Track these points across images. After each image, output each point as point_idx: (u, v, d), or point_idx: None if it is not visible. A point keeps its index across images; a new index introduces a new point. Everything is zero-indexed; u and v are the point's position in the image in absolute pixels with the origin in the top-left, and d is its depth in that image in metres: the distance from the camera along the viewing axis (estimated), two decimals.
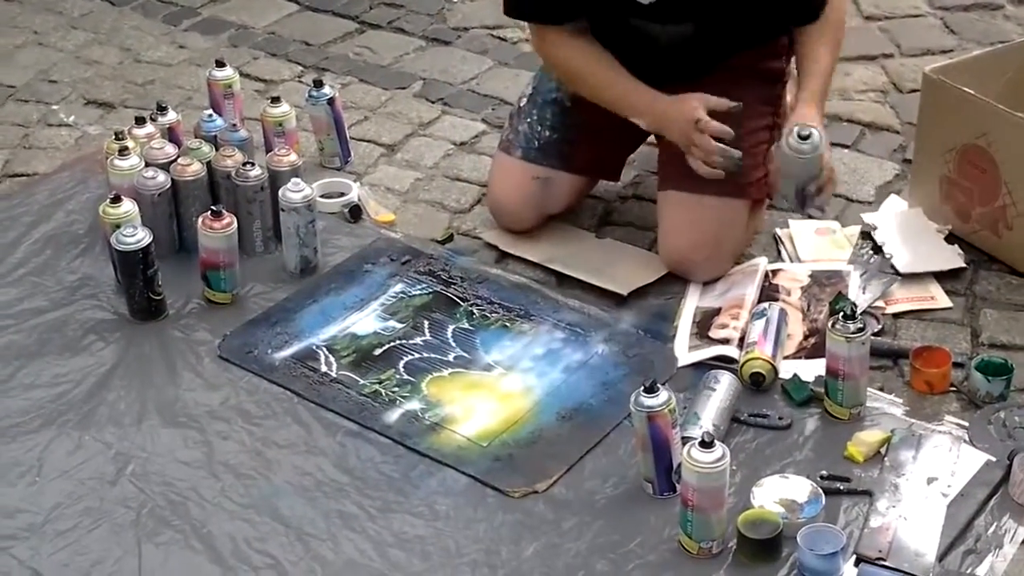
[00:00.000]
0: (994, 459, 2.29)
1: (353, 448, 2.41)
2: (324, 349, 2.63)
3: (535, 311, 2.69)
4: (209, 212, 2.72)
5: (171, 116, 3.09)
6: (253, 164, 2.86)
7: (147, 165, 2.87)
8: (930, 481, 2.26)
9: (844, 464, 2.31)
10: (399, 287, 2.78)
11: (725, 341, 2.55)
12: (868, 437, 2.34)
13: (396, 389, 2.53)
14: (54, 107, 3.54)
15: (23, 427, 2.47)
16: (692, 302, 2.69)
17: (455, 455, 2.38)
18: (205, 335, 2.69)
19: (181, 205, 2.87)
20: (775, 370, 2.48)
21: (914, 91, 3.20)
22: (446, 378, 2.55)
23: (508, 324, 2.66)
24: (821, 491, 2.22)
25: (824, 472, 2.28)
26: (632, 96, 2.71)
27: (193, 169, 2.87)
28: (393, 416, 2.47)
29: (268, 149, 3.08)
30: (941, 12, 3.76)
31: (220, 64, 3.23)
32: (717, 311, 2.63)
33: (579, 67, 2.74)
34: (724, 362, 2.51)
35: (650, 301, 2.73)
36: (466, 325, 2.67)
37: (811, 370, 2.48)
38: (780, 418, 2.41)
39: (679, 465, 2.17)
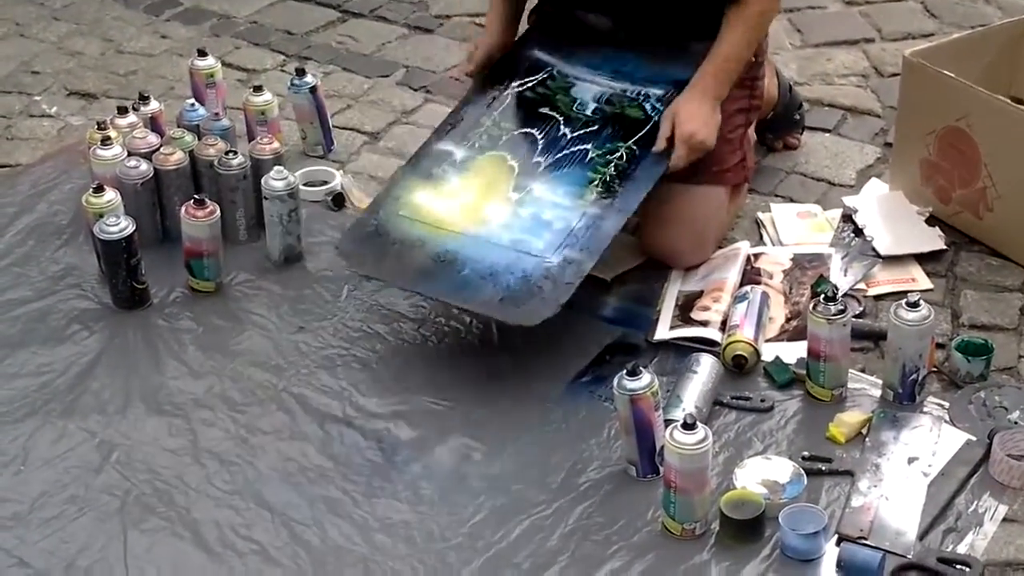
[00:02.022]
0: (974, 438, 2.31)
1: (337, 434, 2.41)
2: None
3: (618, 205, 2.53)
4: (192, 201, 2.72)
5: (153, 106, 3.09)
6: (235, 153, 2.87)
7: (130, 155, 2.87)
8: (911, 461, 2.27)
9: (826, 445, 2.32)
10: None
11: (706, 323, 2.56)
12: (849, 418, 2.36)
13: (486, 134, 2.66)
14: (36, 98, 3.54)
15: (7, 416, 2.47)
16: (675, 287, 2.70)
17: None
18: (189, 323, 2.69)
19: (164, 194, 2.87)
20: (757, 353, 2.49)
21: (895, 75, 3.21)
22: (494, 158, 2.63)
23: (584, 189, 2.54)
24: (803, 472, 2.23)
25: (806, 453, 2.30)
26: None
27: (176, 158, 2.87)
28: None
29: (251, 138, 3.08)
30: None
31: (202, 53, 3.22)
32: (699, 294, 2.64)
33: None
34: (706, 345, 2.52)
35: (633, 286, 2.73)
36: (570, 134, 2.63)
37: (793, 352, 2.50)
38: (762, 400, 2.42)
39: (662, 447, 2.18)
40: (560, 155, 2.60)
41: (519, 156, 2.62)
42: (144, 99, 3.09)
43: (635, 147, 2.59)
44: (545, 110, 2.68)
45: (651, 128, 2.60)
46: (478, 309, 2.45)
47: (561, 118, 2.66)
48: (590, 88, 2.70)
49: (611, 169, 2.56)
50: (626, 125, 2.63)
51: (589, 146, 2.61)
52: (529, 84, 2.72)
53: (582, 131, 2.63)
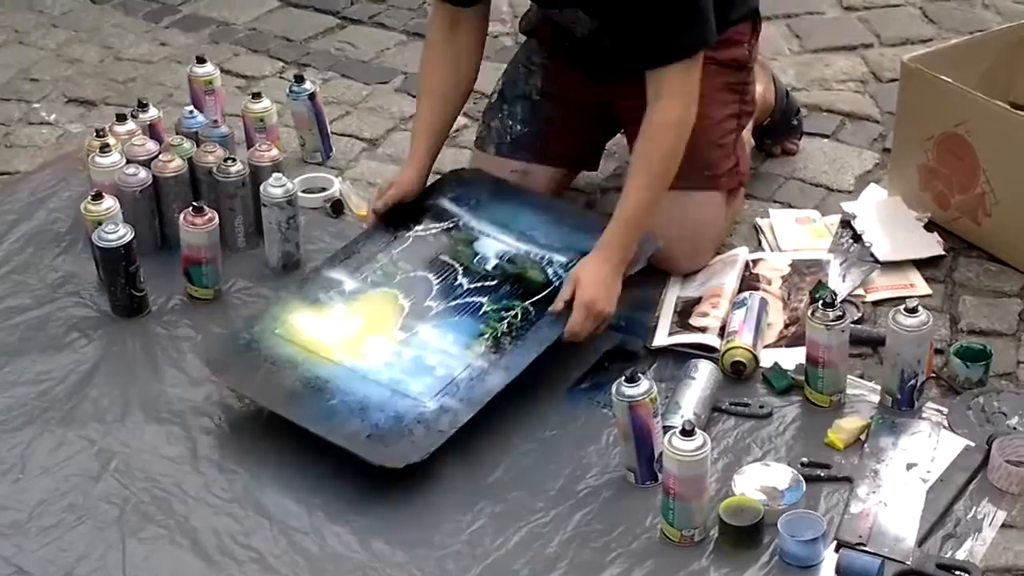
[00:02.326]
0: (973, 444, 2.31)
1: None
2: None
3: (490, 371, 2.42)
4: (190, 208, 2.72)
5: (152, 113, 3.09)
6: (234, 160, 2.87)
7: (128, 162, 2.87)
8: (910, 467, 2.27)
9: (825, 451, 2.32)
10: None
11: (705, 329, 2.56)
12: (848, 424, 2.36)
13: (381, 270, 2.61)
14: (35, 105, 3.54)
15: (6, 425, 2.47)
16: (673, 293, 2.70)
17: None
18: (188, 331, 2.69)
19: (163, 202, 2.87)
20: (756, 359, 2.49)
21: (893, 80, 3.21)
22: (386, 295, 2.57)
23: (473, 340, 2.47)
24: (802, 478, 2.23)
25: (805, 459, 2.30)
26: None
27: (174, 165, 2.87)
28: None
29: (249, 145, 3.08)
30: (920, 1, 3.77)
31: (201, 60, 3.22)
32: (698, 300, 2.64)
33: (420, 77, 2.86)
34: (705, 351, 2.52)
35: (632, 292, 2.72)
36: (467, 285, 2.57)
37: (792, 358, 2.49)
38: (761, 406, 2.42)
39: (661, 454, 2.18)
40: (454, 303, 2.53)
41: (411, 297, 2.55)
42: (143, 106, 3.09)
43: (531, 308, 2.50)
44: (445, 258, 2.62)
45: (550, 292, 2.52)
46: (341, 443, 2.29)
47: (460, 268, 2.60)
48: (494, 245, 2.64)
49: (503, 325, 2.48)
50: (525, 286, 2.56)
51: (485, 299, 2.53)
52: (433, 231, 2.68)
53: (480, 284, 2.56)
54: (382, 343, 2.46)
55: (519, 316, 2.48)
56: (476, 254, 2.63)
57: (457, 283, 2.57)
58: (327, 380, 2.39)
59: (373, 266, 2.61)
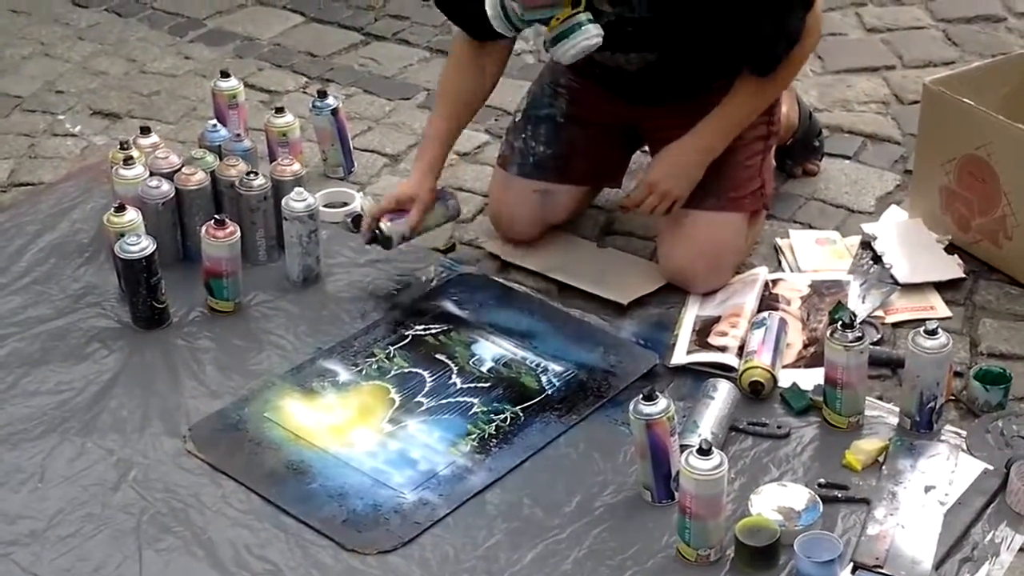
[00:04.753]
0: (991, 467, 2.30)
1: None
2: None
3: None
4: (212, 221, 2.74)
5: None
6: (256, 174, 2.88)
7: (152, 174, 2.89)
8: (928, 489, 2.26)
9: (842, 472, 2.32)
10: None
11: (723, 349, 2.56)
12: (866, 445, 2.35)
13: (376, 365, 2.61)
14: (60, 117, 3.56)
15: (26, 434, 2.48)
16: (692, 311, 2.70)
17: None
18: (208, 343, 2.70)
19: (185, 214, 2.89)
20: (774, 379, 2.49)
21: (915, 103, 3.21)
22: (378, 388, 2.56)
23: (459, 439, 2.45)
24: (819, 499, 2.23)
25: (822, 480, 2.29)
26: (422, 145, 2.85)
27: (197, 178, 2.88)
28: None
29: (272, 159, 3.09)
30: (943, 24, 3.77)
31: (225, 75, 3.25)
32: (716, 319, 2.64)
33: (441, 82, 2.88)
34: (723, 370, 2.52)
35: (650, 310, 2.74)
36: (459, 385, 2.58)
37: (810, 379, 2.49)
38: (779, 427, 2.42)
39: (677, 473, 2.18)
40: (444, 401, 2.53)
41: (403, 392, 2.55)
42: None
43: (521, 413, 2.49)
44: (441, 357, 2.63)
45: (542, 400, 2.52)
46: (315, 525, 2.27)
47: (455, 367, 2.60)
48: (491, 348, 2.65)
49: (491, 428, 2.47)
50: (518, 391, 2.54)
51: (476, 400, 2.53)
52: (432, 330, 2.69)
53: (472, 384, 2.56)
54: (368, 434, 2.47)
55: (508, 420, 2.48)
56: (473, 355, 2.64)
57: (451, 382, 2.58)
58: (310, 465, 2.40)
59: (369, 360, 2.62)
